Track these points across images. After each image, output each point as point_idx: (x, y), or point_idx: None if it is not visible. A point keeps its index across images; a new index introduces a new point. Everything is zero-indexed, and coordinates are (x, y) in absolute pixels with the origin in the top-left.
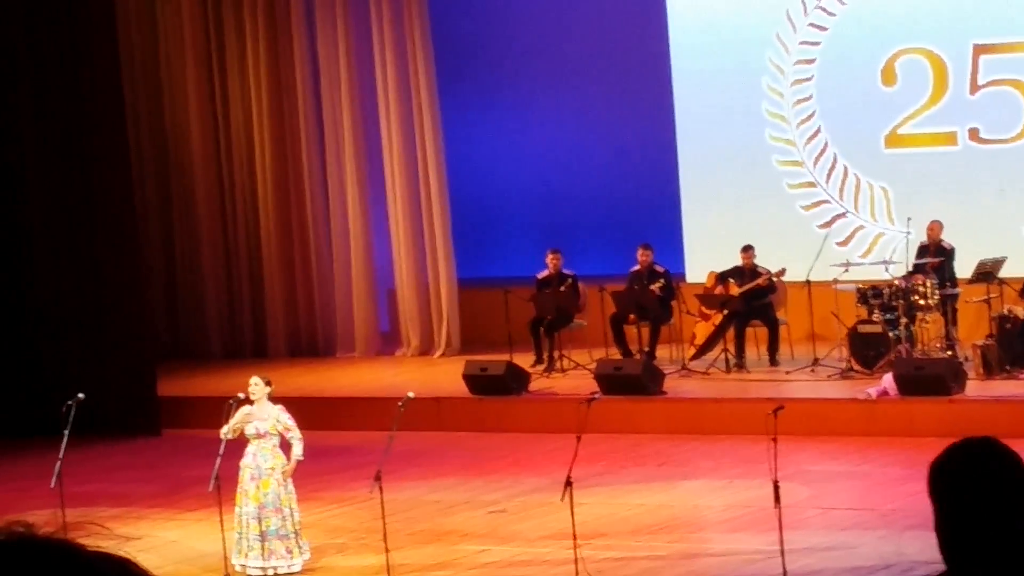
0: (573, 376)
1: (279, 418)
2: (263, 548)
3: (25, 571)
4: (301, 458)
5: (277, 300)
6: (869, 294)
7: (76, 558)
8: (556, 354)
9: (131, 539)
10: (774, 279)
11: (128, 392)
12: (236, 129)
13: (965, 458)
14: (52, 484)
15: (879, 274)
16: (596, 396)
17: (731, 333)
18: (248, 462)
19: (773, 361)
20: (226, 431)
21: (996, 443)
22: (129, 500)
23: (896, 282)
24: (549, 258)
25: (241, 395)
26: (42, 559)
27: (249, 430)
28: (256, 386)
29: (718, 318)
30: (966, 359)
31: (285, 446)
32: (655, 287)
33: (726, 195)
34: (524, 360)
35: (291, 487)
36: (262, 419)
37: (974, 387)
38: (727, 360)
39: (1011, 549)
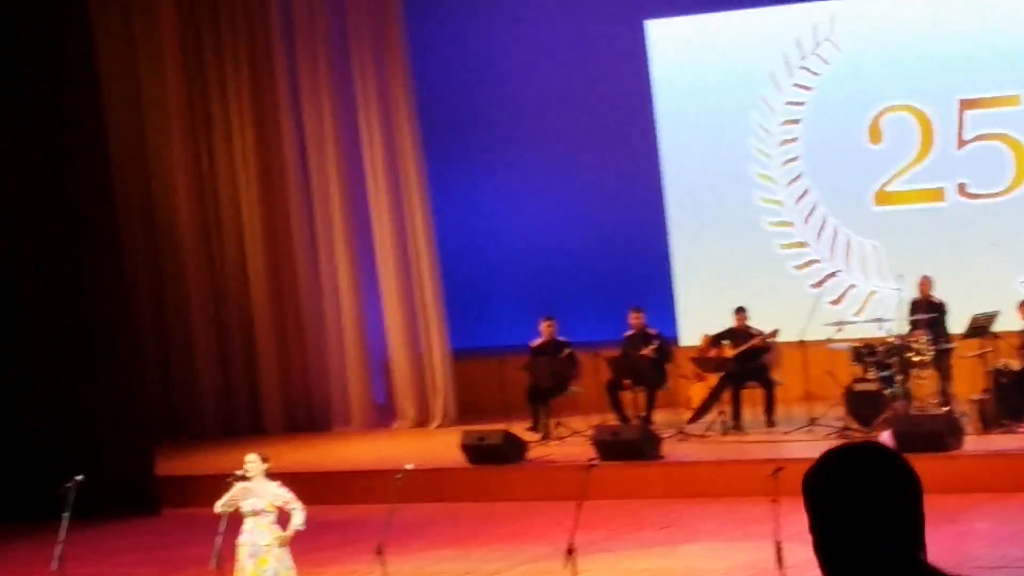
0: (570, 443)
1: (276, 493)
2: None
3: None
4: (302, 527)
5: (272, 376)
6: (864, 352)
7: None
8: (553, 422)
9: None
10: (768, 340)
11: (126, 472)
12: (225, 204)
13: (837, 465)
14: (53, 567)
15: (873, 332)
16: (595, 463)
17: (727, 395)
18: (246, 539)
19: (770, 422)
20: (219, 506)
21: (871, 448)
22: None
23: (891, 339)
24: (543, 326)
25: (239, 472)
26: None
27: (245, 507)
28: (252, 464)
29: (714, 380)
30: (963, 414)
31: (285, 522)
32: (648, 351)
33: (717, 257)
34: (521, 429)
35: (289, 562)
36: (259, 496)
37: (972, 442)
38: (724, 423)
39: (887, 556)
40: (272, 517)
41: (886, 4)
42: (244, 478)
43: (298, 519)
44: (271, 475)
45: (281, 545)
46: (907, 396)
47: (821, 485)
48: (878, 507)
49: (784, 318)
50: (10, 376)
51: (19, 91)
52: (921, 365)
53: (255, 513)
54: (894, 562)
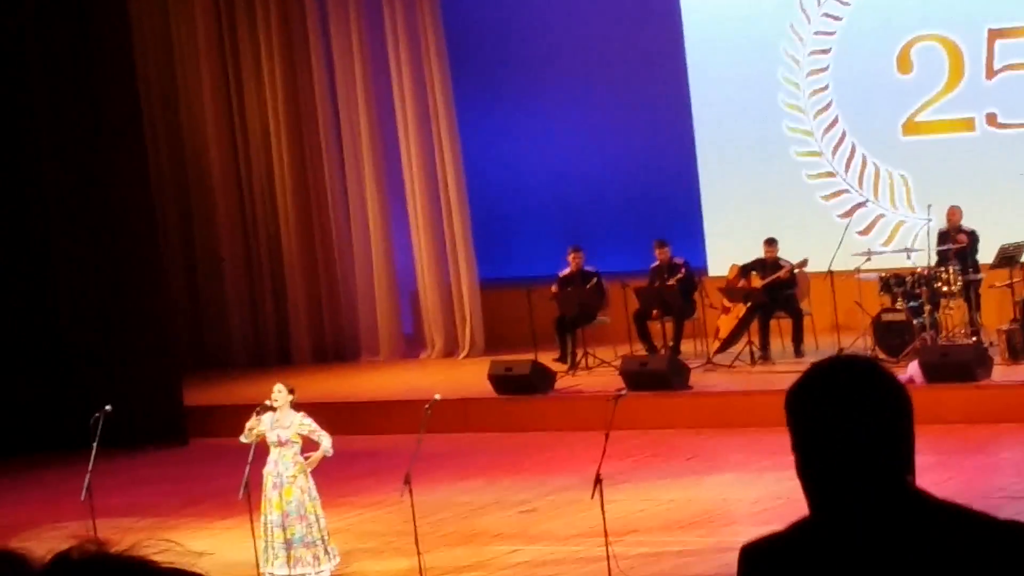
0: (598, 373)
1: (302, 423)
2: (289, 556)
3: None
4: (330, 453)
5: (300, 307)
6: (892, 282)
7: (151, 575)
8: (580, 352)
9: (204, 554)
10: (796, 271)
11: (154, 403)
12: (254, 139)
13: (820, 380)
14: (82, 496)
15: (901, 262)
16: (622, 393)
17: (755, 325)
18: (270, 469)
19: (798, 352)
20: (243, 437)
21: (858, 362)
22: (159, 511)
23: (919, 269)
24: (570, 256)
25: (267, 402)
26: None
27: (271, 437)
28: (280, 393)
29: (741, 311)
30: (991, 344)
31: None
32: (673, 281)
33: (746, 188)
34: (548, 359)
35: (315, 493)
36: (284, 427)
37: (1000, 372)
38: (752, 353)
39: (874, 479)
40: (297, 448)
41: None
42: (271, 408)
43: (326, 443)
44: (297, 406)
45: (307, 468)
46: (935, 326)
47: (803, 402)
48: (863, 426)
49: (812, 248)
50: (41, 309)
51: (50, 36)
52: (949, 295)
53: (280, 444)
54: (881, 486)
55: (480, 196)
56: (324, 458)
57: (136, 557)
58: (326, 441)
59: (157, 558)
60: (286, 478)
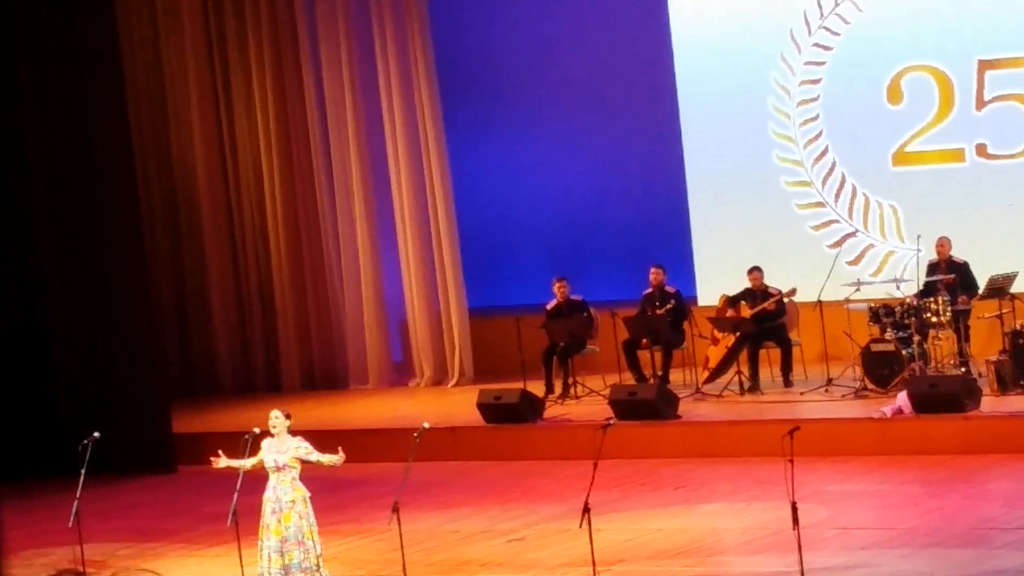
0: (587, 403)
1: (298, 446)
2: None
3: None
4: (339, 462)
5: (289, 334)
6: (881, 313)
7: None
8: (570, 380)
9: None
10: (785, 300)
11: (143, 429)
12: (244, 168)
13: None
14: (70, 523)
15: (891, 292)
16: (611, 422)
17: (744, 355)
18: (269, 495)
19: (787, 382)
20: (247, 464)
21: None
22: (148, 537)
23: (908, 300)
24: (556, 286)
25: (256, 430)
26: None
27: (268, 462)
28: (277, 419)
29: (730, 340)
30: (980, 375)
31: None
32: (663, 310)
33: (736, 217)
34: (538, 388)
35: (313, 519)
36: (281, 451)
37: (989, 403)
38: (741, 382)
39: None
40: (295, 472)
41: None
42: (266, 435)
43: (330, 458)
44: (292, 432)
45: (334, 462)
46: (924, 357)
47: None
48: None
49: (802, 278)
50: (28, 334)
51: (41, 54)
52: (938, 326)
53: (278, 469)
54: None
55: (470, 224)
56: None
57: None
58: (326, 458)
59: None
60: (285, 503)
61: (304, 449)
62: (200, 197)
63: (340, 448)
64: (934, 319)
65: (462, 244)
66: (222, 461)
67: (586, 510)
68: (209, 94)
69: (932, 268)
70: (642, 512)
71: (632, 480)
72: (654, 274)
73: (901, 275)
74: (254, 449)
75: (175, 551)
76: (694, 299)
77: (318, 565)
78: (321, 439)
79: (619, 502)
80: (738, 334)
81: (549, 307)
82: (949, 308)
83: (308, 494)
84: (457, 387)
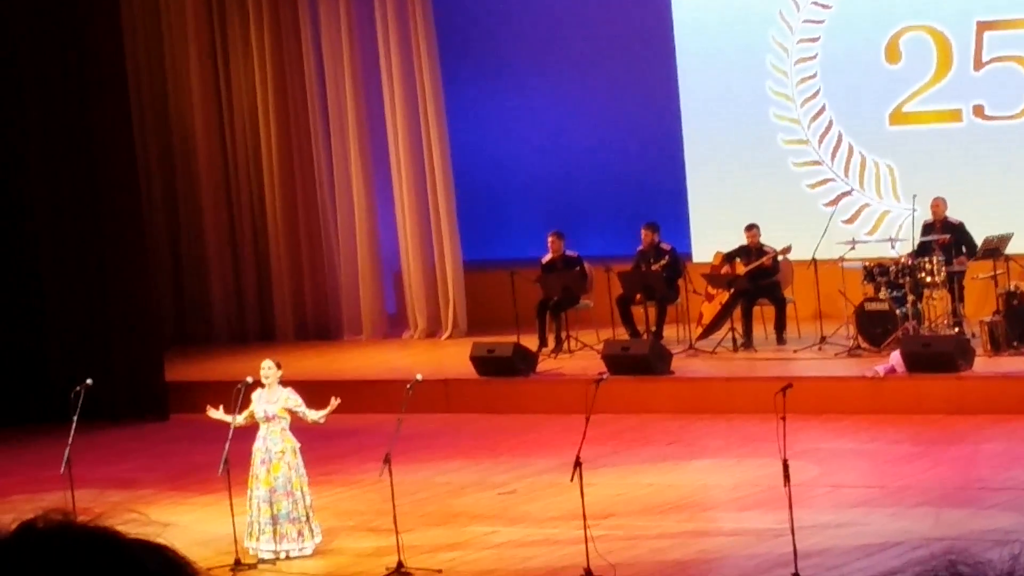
0: (580, 357)
1: (288, 398)
2: (275, 531)
3: (65, 559)
4: (321, 421)
5: (283, 284)
6: (876, 272)
7: (115, 545)
8: (563, 335)
9: (168, 524)
10: (780, 257)
11: (136, 377)
12: (240, 116)
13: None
14: (62, 470)
15: (885, 251)
16: (604, 376)
17: (738, 312)
18: (259, 445)
19: (780, 340)
20: (244, 419)
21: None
22: (139, 485)
23: (903, 259)
24: (551, 240)
25: (249, 379)
26: (81, 546)
27: (258, 412)
28: (269, 369)
29: (725, 297)
30: (973, 336)
31: (298, 430)
32: (658, 266)
33: (732, 174)
34: (531, 341)
35: (303, 470)
36: (272, 402)
37: (982, 363)
38: (734, 339)
39: None
40: (285, 423)
41: None
42: (257, 384)
43: (317, 414)
44: (283, 382)
45: (320, 418)
46: (918, 316)
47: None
48: None
49: (797, 236)
50: (23, 282)
51: (40, 16)
52: (933, 286)
53: (267, 419)
54: None
55: (466, 178)
56: (316, 423)
57: (101, 527)
58: (312, 415)
59: (123, 529)
60: (274, 454)
61: (294, 401)
62: (196, 149)
63: (335, 397)
64: (928, 279)
65: (458, 197)
66: (215, 413)
67: (577, 464)
68: (207, 47)
69: (927, 228)
70: (633, 467)
71: (624, 435)
72: (645, 234)
73: (896, 234)
74: (246, 399)
75: (166, 498)
76: (689, 255)
77: (307, 516)
78: (314, 389)
79: (611, 457)
80: (732, 291)
81: (544, 261)
82: (944, 268)
83: (298, 445)
84: (450, 339)
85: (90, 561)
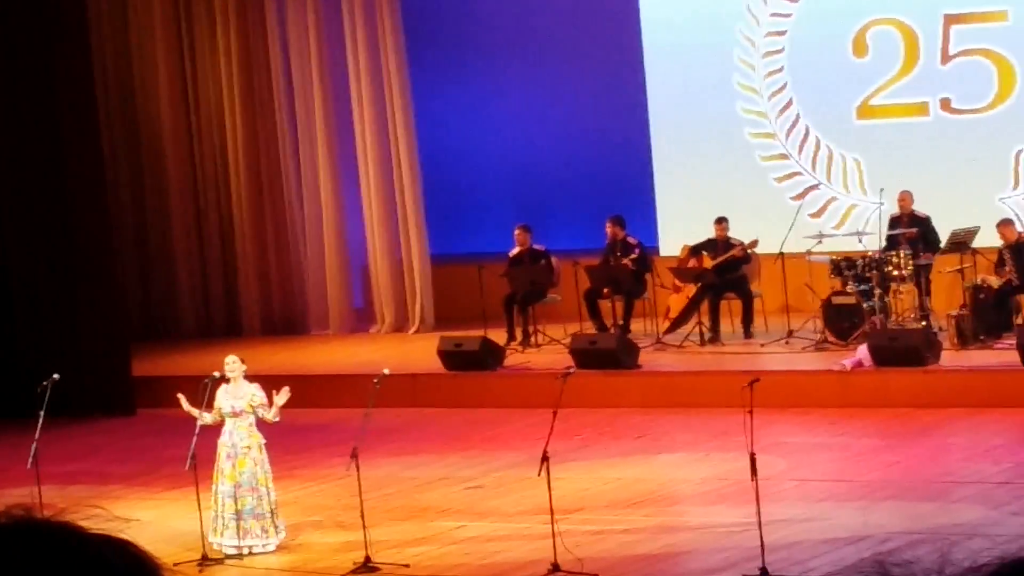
0: (548, 351)
1: (253, 395)
2: (238, 527)
3: (26, 554)
4: (274, 420)
5: (250, 278)
6: (843, 265)
7: (77, 540)
8: (531, 329)
9: (131, 520)
10: (747, 251)
11: (102, 372)
12: (207, 113)
13: None
14: (28, 465)
15: (852, 245)
16: (571, 370)
17: (705, 306)
18: (224, 440)
19: (748, 333)
20: (212, 417)
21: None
22: (105, 480)
23: (870, 253)
24: (517, 234)
25: (216, 374)
26: (43, 542)
27: (225, 408)
28: (234, 363)
29: (692, 291)
30: (940, 329)
31: (264, 426)
32: (628, 260)
33: (699, 168)
34: (498, 336)
35: (268, 466)
36: (238, 397)
37: (949, 357)
38: (702, 333)
39: None
40: (251, 419)
41: None
42: (223, 380)
43: (270, 413)
44: (249, 377)
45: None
46: (885, 310)
47: None
48: None
49: (764, 230)
50: None
51: (5, 15)
52: (900, 279)
53: (234, 414)
54: None
55: (433, 172)
56: (271, 421)
57: (63, 522)
58: (268, 415)
59: (85, 524)
60: (240, 449)
61: (258, 399)
62: (164, 145)
63: (285, 388)
64: (896, 272)
65: (425, 191)
66: (186, 405)
67: (545, 458)
68: (174, 45)
69: (894, 222)
70: (601, 461)
71: (591, 429)
72: (610, 227)
73: (863, 228)
74: (213, 395)
75: (133, 494)
76: (656, 249)
77: (272, 512)
78: (280, 384)
79: (578, 451)
80: (699, 285)
81: (511, 255)
82: (911, 262)
83: (263, 441)
84: (418, 334)
85: (52, 557)
